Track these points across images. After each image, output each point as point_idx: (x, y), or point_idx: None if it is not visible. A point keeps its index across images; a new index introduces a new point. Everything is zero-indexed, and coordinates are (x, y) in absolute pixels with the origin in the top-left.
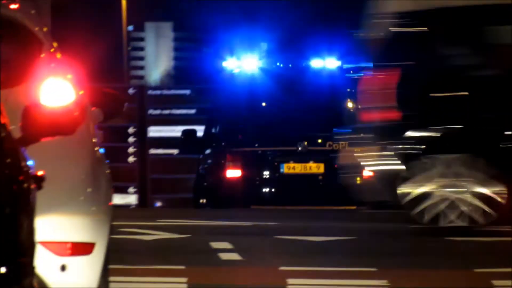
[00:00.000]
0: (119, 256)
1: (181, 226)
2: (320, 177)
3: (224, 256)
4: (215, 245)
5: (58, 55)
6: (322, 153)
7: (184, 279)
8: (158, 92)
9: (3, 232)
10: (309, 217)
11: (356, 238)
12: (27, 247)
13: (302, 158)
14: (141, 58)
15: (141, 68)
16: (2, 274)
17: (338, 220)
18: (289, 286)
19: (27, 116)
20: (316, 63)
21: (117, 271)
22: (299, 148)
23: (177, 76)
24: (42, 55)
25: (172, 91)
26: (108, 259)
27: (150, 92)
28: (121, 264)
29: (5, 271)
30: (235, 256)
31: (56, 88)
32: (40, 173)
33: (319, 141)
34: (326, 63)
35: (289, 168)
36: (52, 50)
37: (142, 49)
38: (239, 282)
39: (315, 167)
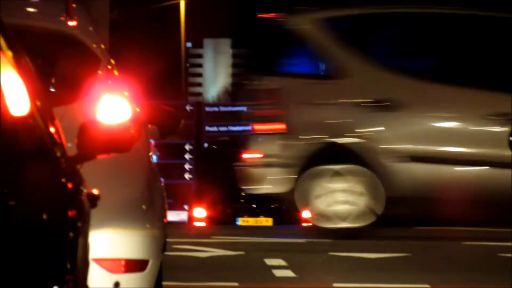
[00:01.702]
0: (173, 273)
1: (235, 243)
2: None
3: (278, 273)
4: (269, 261)
5: (116, 72)
6: None
7: None
8: (215, 108)
9: (56, 251)
10: (363, 233)
11: (410, 255)
12: (81, 265)
13: None
14: (199, 75)
15: (199, 84)
16: None
17: (393, 237)
18: None
19: (84, 133)
20: None
21: None
22: None
23: (234, 93)
24: (99, 72)
25: (230, 108)
26: (162, 276)
27: (207, 108)
28: (174, 281)
29: None
30: (289, 273)
31: (113, 105)
32: (94, 191)
33: None
34: None
35: None
36: (109, 67)
37: (200, 65)
38: None
39: None
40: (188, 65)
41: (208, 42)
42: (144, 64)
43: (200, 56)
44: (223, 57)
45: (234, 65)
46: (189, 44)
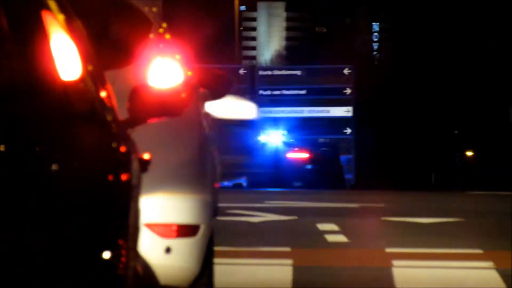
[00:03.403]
0: (226, 237)
1: (288, 208)
2: None
3: (330, 238)
4: (322, 227)
5: (167, 36)
6: None
7: (289, 261)
8: (269, 72)
9: (108, 216)
10: (416, 198)
11: (463, 220)
12: (132, 231)
13: None
14: (253, 38)
15: (253, 48)
16: (107, 259)
17: (445, 202)
18: (395, 268)
19: (135, 97)
20: None
21: (222, 253)
22: None
23: (288, 56)
24: (151, 36)
25: (283, 72)
26: (213, 241)
27: (261, 72)
28: (227, 246)
29: (110, 256)
30: (341, 238)
31: (164, 69)
32: (145, 156)
33: None
34: None
35: None
36: (161, 30)
37: (254, 29)
38: (345, 264)
39: None
40: (241, 28)
41: (262, 5)
42: (196, 28)
43: (253, 19)
44: (277, 20)
45: (288, 28)
46: (242, 7)
